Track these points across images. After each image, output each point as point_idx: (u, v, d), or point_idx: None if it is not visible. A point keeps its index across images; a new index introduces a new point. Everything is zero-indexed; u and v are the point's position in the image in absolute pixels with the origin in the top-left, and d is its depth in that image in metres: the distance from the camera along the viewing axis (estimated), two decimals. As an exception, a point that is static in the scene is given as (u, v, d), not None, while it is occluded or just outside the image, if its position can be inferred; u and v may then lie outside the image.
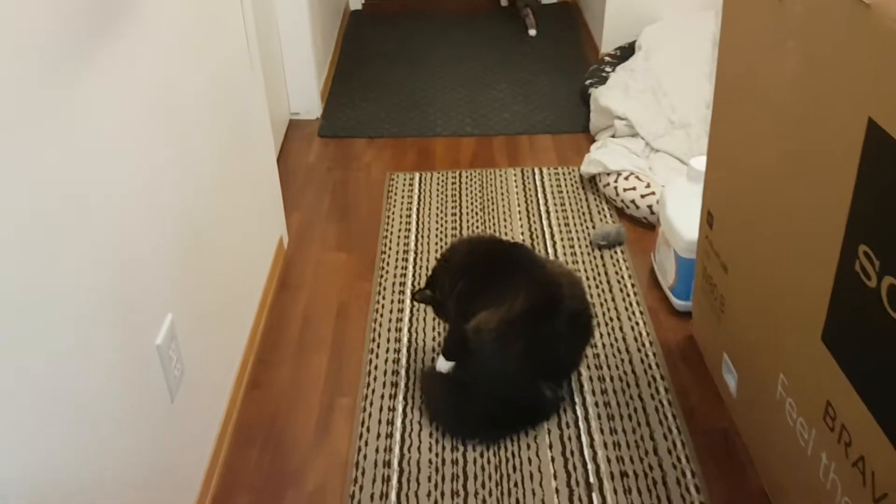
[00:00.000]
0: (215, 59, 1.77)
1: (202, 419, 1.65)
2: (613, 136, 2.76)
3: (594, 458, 1.71)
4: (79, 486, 1.14)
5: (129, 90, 1.30)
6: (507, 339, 1.69)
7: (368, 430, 1.79)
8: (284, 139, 2.89)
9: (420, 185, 2.65)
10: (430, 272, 1.89)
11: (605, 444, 1.74)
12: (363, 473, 1.69)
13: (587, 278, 2.23)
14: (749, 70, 1.53)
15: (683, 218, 2.05)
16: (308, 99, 3.00)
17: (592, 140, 2.86)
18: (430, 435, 1.77)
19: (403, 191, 2.61)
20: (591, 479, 1.67)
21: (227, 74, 1.86)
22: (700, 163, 2.08)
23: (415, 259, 2.30)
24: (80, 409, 1.13)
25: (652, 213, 2.42)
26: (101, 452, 1.21)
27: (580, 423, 1.79)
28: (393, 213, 2.50)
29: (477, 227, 2.44)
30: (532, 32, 3.67)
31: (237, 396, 1.86)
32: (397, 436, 1.77)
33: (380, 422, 1.80)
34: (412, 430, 1.78)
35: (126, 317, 1.29)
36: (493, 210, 2.53)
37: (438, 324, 2.07)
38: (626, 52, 3.22)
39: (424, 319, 2.08)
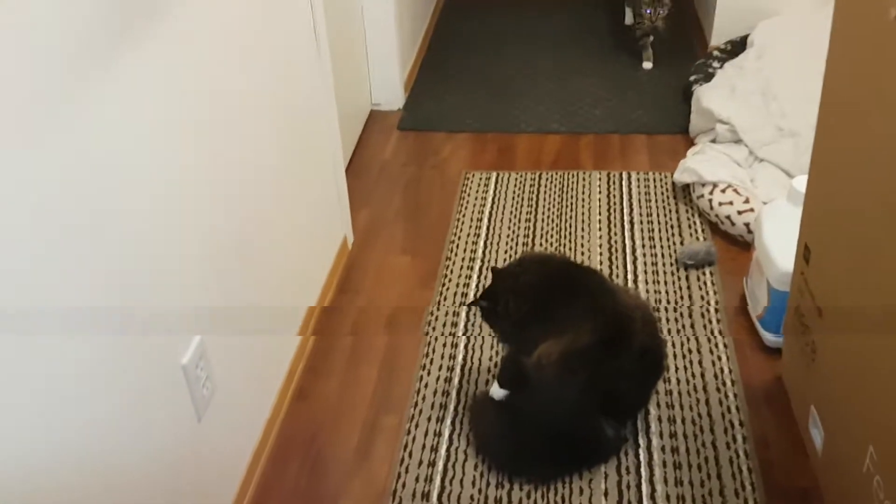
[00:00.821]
0: (274, 45, 1.69)
1: (236, 436, 1.59)
2: (714, 142, 2.52)
3: (653, 512, 1.55)
4: (93, 495, 1.10)
5: (166, 80, 1.23)
6: (569, 372, 1.54)
7: (410, 455, 1.68)
8: (363, 131, 2.81)
9: (496, 186, 2.50)
10: (492, 283, 1.70)
11: (668, 497, 1.57)
12: (399, 504, 1.59)
13: (668, 301, 2.03)
14: (858, 94, 1.31)
15: (781, 244, 1.82)
16: (391, 89, 2.90)
17: (691, 143, 2.63)
18: (476, 467, 1.65)
19: (478, 192, 2.48)
20: (647, 537, 1.51)
21: (288, 63, 1.78)
22: (803, 183, 1.83)
23: (480, 268, 2.17)
24: (97, 429, 1.08)
25: (749, 231, 2.18)
26: (121, 471, 1.17)
27: (642, 470, 1.62)
28: (464, 217, 2.37)
29: (551, 237, 2.28)
30: (647, 65, 3.17)
31: (281, 406, 1.80)
32: (440, 465, 1.66)
33: (423, 447, 1.70)
34: (456, 459, 1.67)
35: (150, 335, 1.23)
36: (571, 218, 2.35)
37: (496, 343, 1.93)
38: (738, 47, 2.94)
39: (482, 337, 1.96)
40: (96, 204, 1.08)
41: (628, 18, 3.30)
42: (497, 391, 1.75)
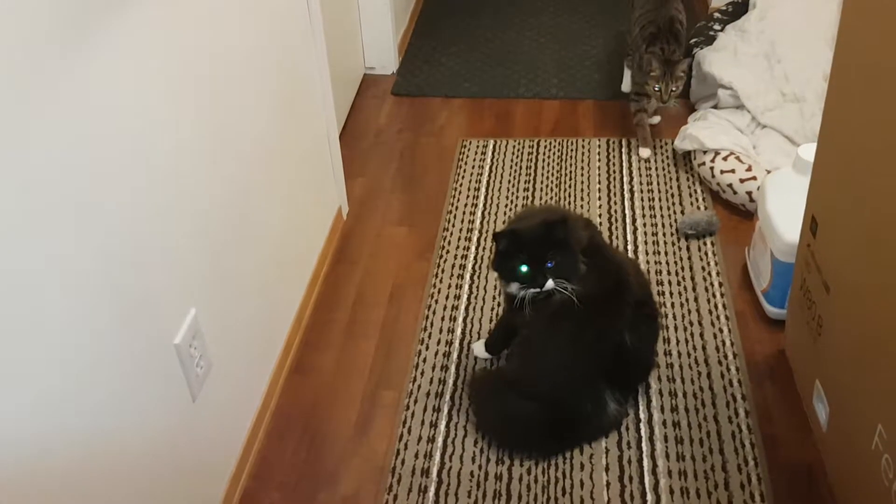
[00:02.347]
0: (264, 11, 1.62)
1: (233, 412, 1.57)
2: (716, 107, 2.46)
3: (655, 488, 1.53)
4: (90, 478, 1.07)
5: (154, 47, 1.17)
6: (557, 320, 1.51)
7: (409, 431, 1.66)
8: (357, 96, 2.74)
9: (494, 153, 2.45)
10: (514, 222, 1.58)
11: (670, 472, 1.56)
12: (399, 481, 1.57)
13: (668, 273, 2.00)
14: (873, 60, 1.26)
15: (785, 215, 1.79)
16: (384, 53, 2.82)
17: (692, 109, 2.57)
18: (475, 443, 1.63)
19: (475, 160, 2.42)
20: (649, 512, 1.50)
21: (279, 29, 1.71)
22: (810, 152, 1.79)
23: (478, 239, 2.13)
24: (89, 413, 1.05)
25: (751, 200, 2.14)
26: (115, 454, 1.14)
27: (643, 445, 1.61)
28: (461, 186, 2.32)
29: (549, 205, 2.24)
30: (644, 153, 2.41)
31: (278, 380, 1.77)
32: (439, 441, 1.64)
33: (422, 423, 1.68)
34: (455, 435, 1.65)
35: (141, 313, 1.19)
36: (570, 187, 2.31)
37: (496, 315, 1.90)
38: (739, 8, 2.87)
39: (481, 309, 1.92)
40: (85, 178, 1.03)
41: (625, 85, 2.65)
42: (480, 349, 1.75)
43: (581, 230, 1.54)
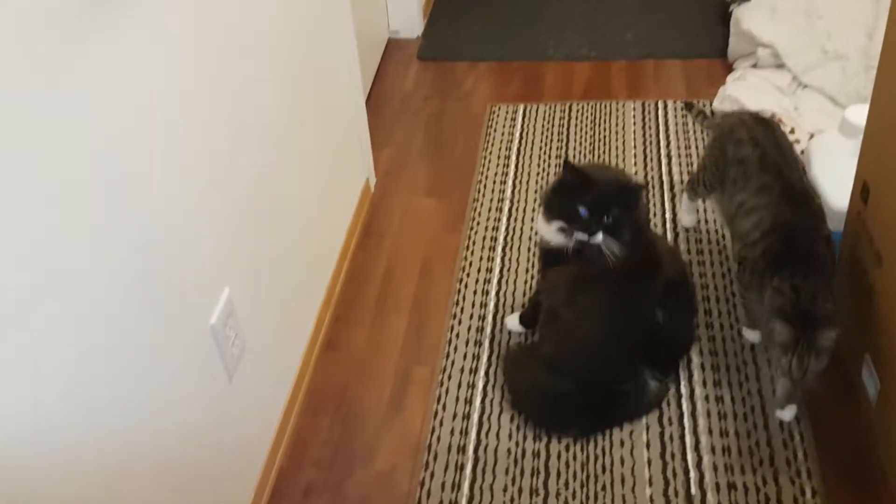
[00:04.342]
0: (287, -12, 1.57)
1: (268, 390, 1.55)
2: (755, 66, 2.37)
3: (698, 465, 1.50)
4: (129, 462, 1.06)
5: (177, 24, 1.12)
6: (583, 295, 1.47)
7: (444, 408, 1.64)
8: (381, 61, 2.67)
9: (524, 119, 2.38)
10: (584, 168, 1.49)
11: (713, 449, 1.52)
12: (435, 458, 1.55)
13: (708, 242, 1.94)
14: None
15: (832, 181, 1.72)
16: (409, 15, 2.75)
17: (730, 68, 2.48)
18: (511, 419, 1.60)
19: (505, 126, 2.36)
20: (693, 490, 1.46)
21: (304, 0, 1.65)
22: (858, 114, 1.71)
23: (509, 210, 2.08)
24: (126, 398, 1.03)
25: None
26: (152, 438, 1.13)
27: (685, 421, 1.57)
28: (490, 154, 2.26)
29: (584, 173, 2.17)
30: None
31: (311, 357, 1.75)
32: (475, 417, 1.61)
33: (457, 399, 1.65)
34: (491, 412, 1.62)
35: (175, 296, 1.16)
36: (604, 153, 2.24)
37: (529, 288, 1.86)
38: (778, -40, 2.74)
39: (514, 283, 1.88)
40: (116, 162, 0.99)
41: (683, 218, 1.97)
42: (513, 322, 1.73)
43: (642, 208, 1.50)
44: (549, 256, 1.52)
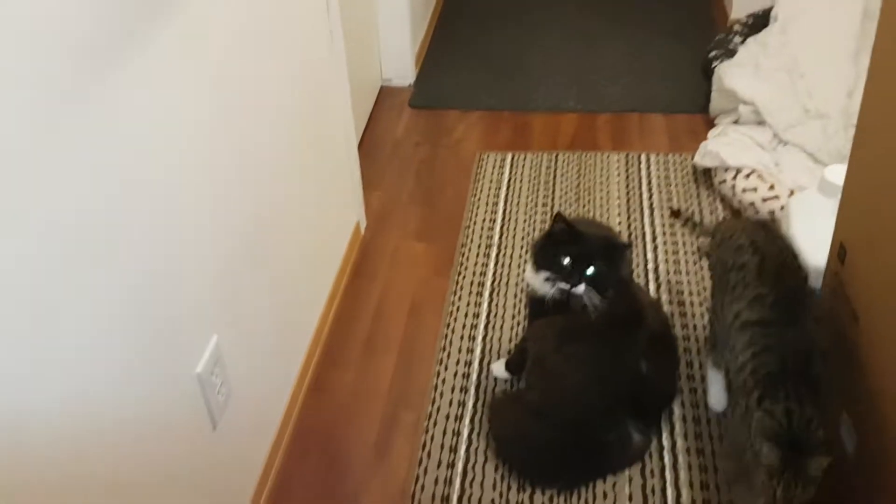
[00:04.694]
0: (285, 29, 1.61)
1: (252, 433, 1.55)
2: (737, 123, 2.44)
3: (678, 517, 1.51)
4: None
5: (174, 74, 1.15)
6: (567, 342, 1.51)
7: (429, 455, 1.65)
8: (374, 108, 2.72)
9: (511, 167, 2.43)
10: (562, 231, 1.50)
11: (694, 502, 1.54)
12: (419, 506, 1.56)
13: (690, 293, 1.98)
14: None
15: (811, 239, 1.76)
16: (401, 64, 2.81)
17: (712, 123, 2.55)
18: (496, 469, 1.61)
19: (493, 174, 2.41)
20: (673, 543, 1.48)
21: (300, 47, 1.70)
22: (836, 174, 1.77)
23: (497, 256, 2.11)
24: (108, 446, 1.04)
25: (774, 220, 2.12)
26: (134, 480, 1.12)
27: (667, 473, 1.59)
28: (479, 200, 2.30)
29: (570, 222, 2.22)
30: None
31: (297, 399, 1.76)
32: (459, 466, 1.62)
33: (442, 447, 1.66)
34: (476, 461, 1.63)
35: (163, 345, 1.17)
36: (589, 202, 2.29)
37: (515, 335, 1.88)
38: (760, 20, 2.84)
39: (501, 328, 1.91)
40: (108, 207, 1.01)
41: (714, 401, 1.70)
42: (499, 368, 1.75)
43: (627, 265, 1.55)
44: (537, 305, 1.55)
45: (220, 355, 1.35)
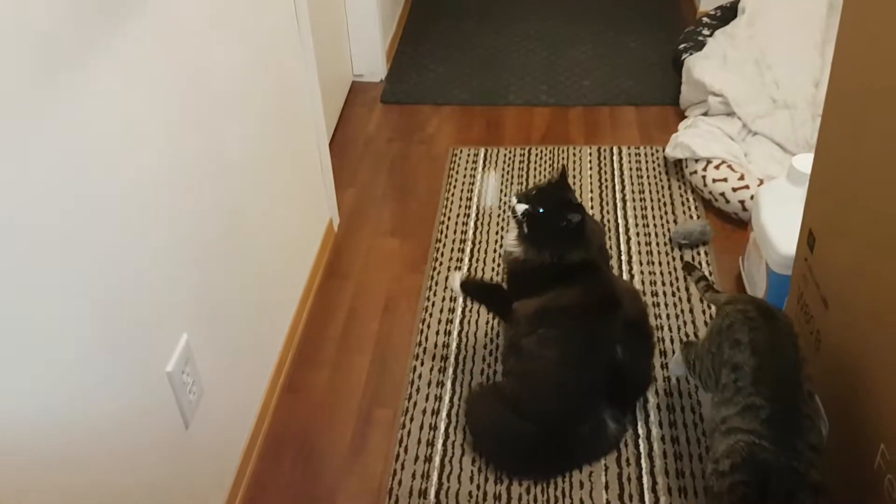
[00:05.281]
0: (253, 25, 1.59)
1: (226, 435, 1.54)
2: (706, 114, 2.46)
3: (655, 505, 1.52)
4: None
5: (141, 70, 1.14)
6: (543, 325, 1.54)
7: (406, 450, 1.64)
8: (345, 104, 2.71)
9: (485, 162, 2.43)
10: (546, 188, 1.62)
11: (669, 490, 1.55)
12: (397, 503, 1.55)
13: (663, 283, 1.99)
14: (872, 82, 1.25)
15: (780, 227, 1.78)
16: (372, 59, 2.80)
17: (682, 115, 2.57)
18: (473, 462, 1.61)
19: (466, 169, 2.40)
20: (649, 531, 1.48)
21: (268, 42, 1.68)
22: (804, 163, 1.79)
23: (471, 251, 2.11)
24: (79, 446, 1.02)
25: (744, 209, 2.14)
26: (107, 480, 1.11)
27: (643, 461, 1.60)
28: (453, 195, 2.30)
29: (544, 216, 2.22)
30: None
31: (271, 400, 1.74)
32: (437, 460, 1.62)
33: (419, 441, 1.66)
34: (453, 454, 1.63)
35: (132, 342, 1.16)
36: (563, 196, 2.29)
37: (491, 329, 1.88)
38: (728, 13, 2.87)
39: (476, 323, 1.91)
40: (73, 204, 1.00)
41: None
42: (455, 282, 1.75)
43: (598, 233, 1.66)
44: (513, 271, 1.60)
45: (191, 354, 1.33)
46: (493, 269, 2.05)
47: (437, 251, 2.11)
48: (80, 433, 1.05)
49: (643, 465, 1.59)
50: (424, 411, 1.71)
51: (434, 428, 1.68)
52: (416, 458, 1.62)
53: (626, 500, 1.53)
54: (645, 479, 1.56)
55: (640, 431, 1.65)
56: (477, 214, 2.23)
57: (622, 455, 1.61)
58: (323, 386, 1.80)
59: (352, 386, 1.79)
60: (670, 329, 1.87)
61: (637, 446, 1.62)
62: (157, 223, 1.21)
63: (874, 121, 1.26)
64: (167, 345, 1.27)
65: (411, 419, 1.70)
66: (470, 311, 1.94)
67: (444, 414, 1.71)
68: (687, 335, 1.85)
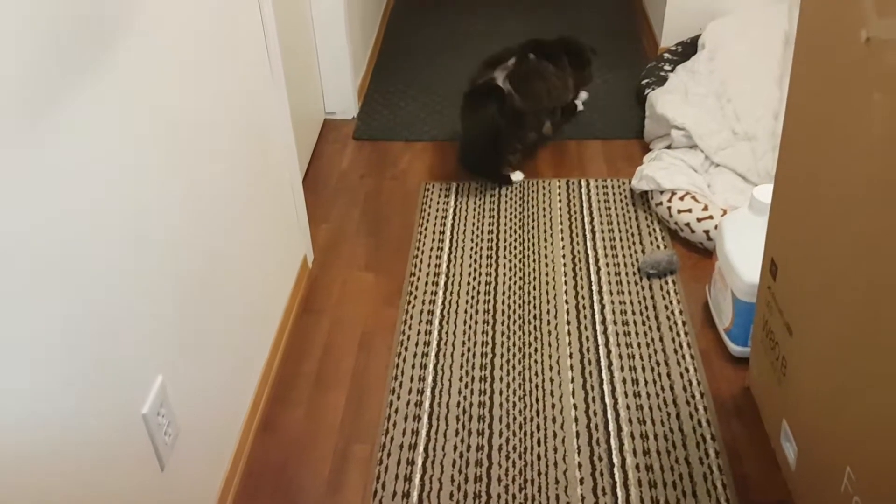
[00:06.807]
0: (226, 68, 1.62)
1: (202, 475, 1.53)
2: (670, 147, 2.53)
3: (631, 534, 1.54)
4: None
5: (114, 115, 1.16)
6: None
7: (384, 486, 1.65)
8: (318, 141, 2.74)
9: (457, 197, 2.47)
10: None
11: (638, 467, 1.57)
12: (375, 538, 1.55)
13: (633, 313, 2.03)
14: (826, 112, 1.31)
15: (744, 256, 1.84)
16: (344, 98, 2.84)
17: (647, 148, 2.64)
18: (451, 496, 1.62)
19: (439, 203, 2.44)
20: (627, 559, 1.50)
21: (241, 86, 1.71)
22: (765, 193, 1.85)
23: (445, 284, 2.14)
24: (53, 483, 1.02)
25: (709, 238, 2.20)
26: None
27: (618, 490, 1.62)
28: (426, 230, 2.33)
29: (515, 248, 2.26)
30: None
31: (246, 440, 1.74)
32: (414, 495, 1.62)
33: (396, 477, 1.66)
34: (431, 488, 1.64)
35: (107, 385, 1.16)
36: (533, 228, 2.34)
37: (466, 361, 1.90)
38: (688, 48, 2.96)
39: (451, 355, 1.92)
40: (48, 245, 1.01)
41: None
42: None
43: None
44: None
45: (167, 395, 1.33)
46: (467, 302, 2.07)
47: (412, 285, 2.14)
48: (55, 477, 1.04)
49: (619, 493, 1.61)
50: (402, 446, 1.72)
51: (411, 462, 1.69)
52: (394, 494, 1.63)
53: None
54: (616, 474, 1.59)
55: (615, 460, 1.67)
56: (450, 248, 2.26)
57: (598, 484, 1.62)
58: (299, 423, 1.80)
59: (328, 422, 1.79)
60: (641, 358, 1.90)
61: (612, 475, 1.64)
62: (131, 263, 1.22)
63: (829, 151, 1.32)
64: (142, 386, 1.27)
65: (388, 454, 1.71)
66: (445, 343, 1.96)
67: (421, 448, 1.71)
68: (658, 363, 1.89)
